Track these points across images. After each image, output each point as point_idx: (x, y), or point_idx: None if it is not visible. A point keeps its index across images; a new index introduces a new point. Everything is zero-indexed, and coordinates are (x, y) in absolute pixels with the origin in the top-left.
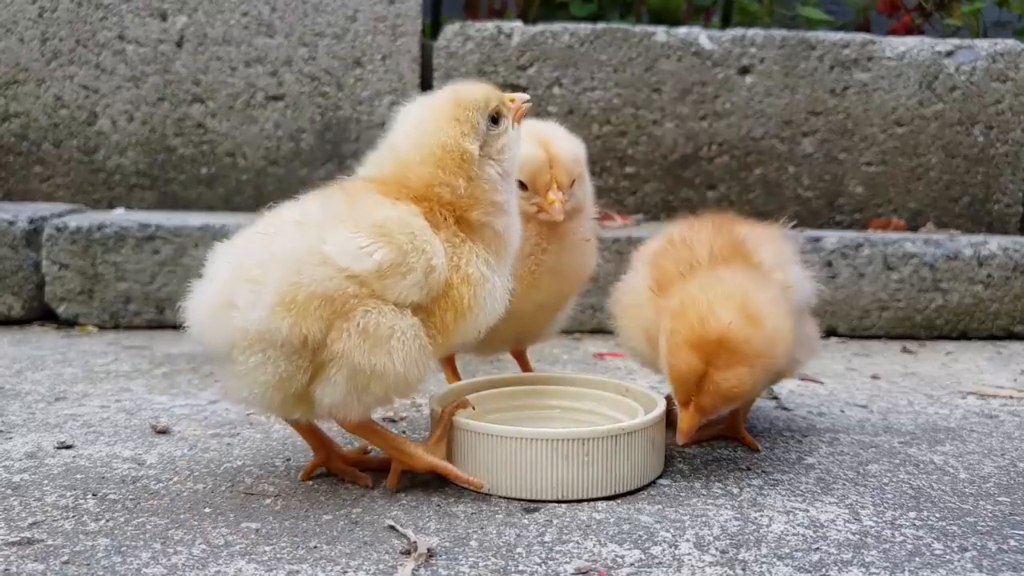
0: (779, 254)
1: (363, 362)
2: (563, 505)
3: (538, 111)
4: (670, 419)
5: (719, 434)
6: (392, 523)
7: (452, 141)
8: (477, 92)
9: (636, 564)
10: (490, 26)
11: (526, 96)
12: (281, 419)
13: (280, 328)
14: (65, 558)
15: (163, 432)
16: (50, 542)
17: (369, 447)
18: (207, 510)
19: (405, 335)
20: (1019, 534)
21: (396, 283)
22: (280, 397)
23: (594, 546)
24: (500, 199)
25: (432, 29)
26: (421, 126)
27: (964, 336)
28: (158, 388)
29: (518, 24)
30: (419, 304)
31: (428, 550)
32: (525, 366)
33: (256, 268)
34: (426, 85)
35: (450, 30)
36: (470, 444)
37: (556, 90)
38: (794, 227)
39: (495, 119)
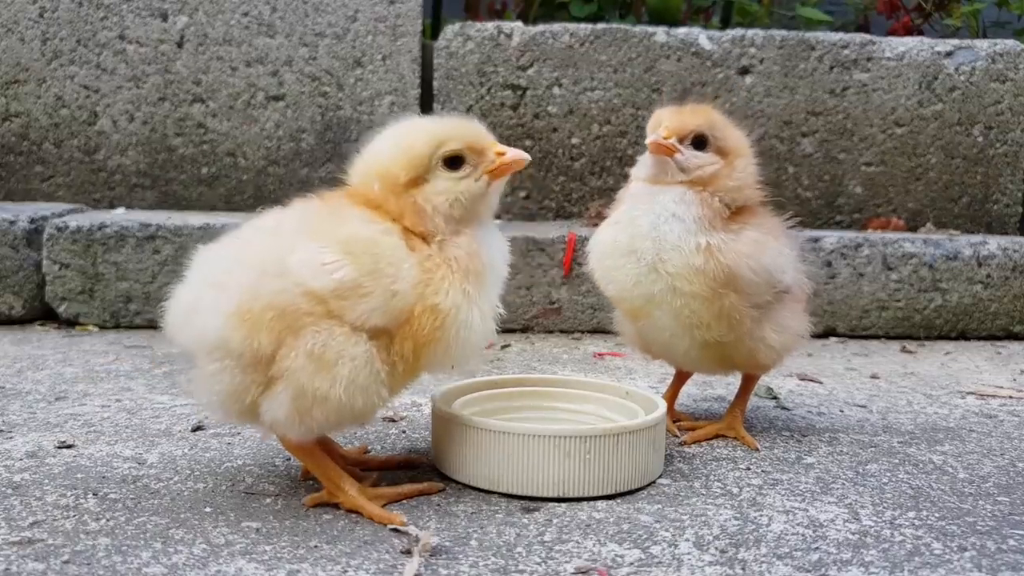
0: None
1: (307, 385)
2: (563, 504)
3: (538, 111)
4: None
5: (718, 433)
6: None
7: (389, 162)
8: (440, 129)
9: (636, 564)
10: (490, 26)
11: (521, 155)
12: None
13: (233, 338)
14: (66, 557)
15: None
16: (51, 541)
17: (369, 446)
18: (207, 509)
19: (354, 362)
20: (1018, 534)
21: (354, 305)
22: (237, 407)
23: (594, 545)
24: (432, 225)
25: (432, 29)
26: (381, 143)
27: (963, 336)
28: (159, 388)
29: (518, 24)
30: (382, 328)
31: (430, 545)
32: None
33: (223, 274)
34: (426, 85)
35: (450, 30)
36: (472, 439)
37: (556, 90)
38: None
39: (450, 163)
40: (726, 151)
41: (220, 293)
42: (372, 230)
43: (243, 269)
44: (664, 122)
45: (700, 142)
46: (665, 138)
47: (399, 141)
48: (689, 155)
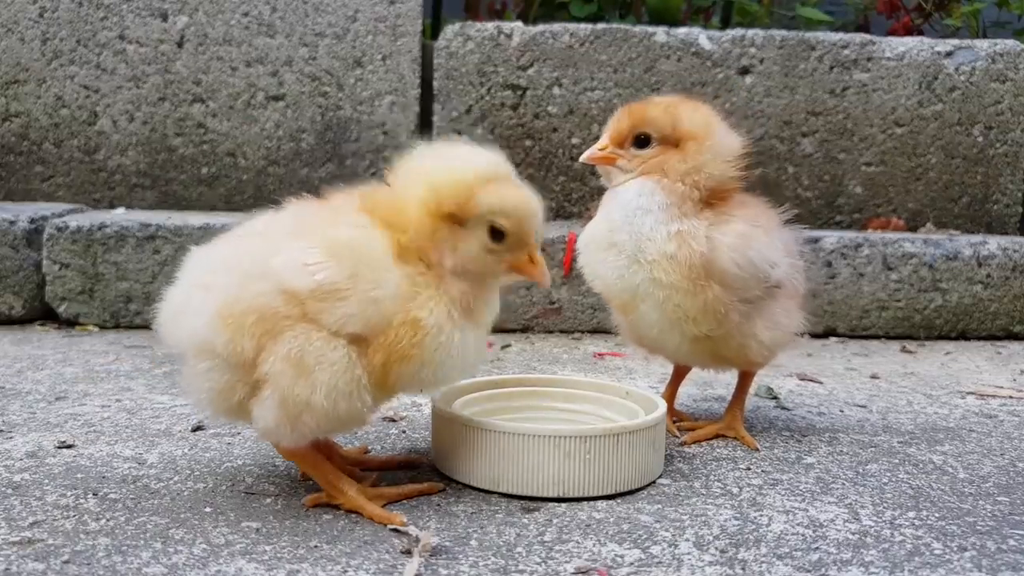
0: None
1: (289, 391)
2: (563, 504)
3: (538, 111)
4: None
5: (718, 433)
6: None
7: (448, 182)
8: (510, 197)
9: (636, 563)
10: (490, 26)
11: (545, 281)
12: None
13: (217, 340)
14: (66, 557)
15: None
16: (51, 541)
17: (369, 447)
18: (207, 509)
19: (334, 367)
20: (1018, 534)
21: (332, 308)
22: (225, 405)
23: (594, 545)
24: (434, 260)
25: (432, 29)
26: (421, 170)
27: (963, 336)
28: (159, 388)
29: (518, 24)
30: (360, 337)
31: (430, 545)
32: None
33: (209, 276)
34: (426, 85)
35: (450, 30)
36: (472, 439)
37: (556, 90)
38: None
39: (493, 231)
40: (676, 138)
41: (206, 294)
42: (363, 234)
43: (228, 271)
44: (605, 131)
45: (643, 140)
46: (602, 148)
47: (475, 173)
48: (630, 156)
